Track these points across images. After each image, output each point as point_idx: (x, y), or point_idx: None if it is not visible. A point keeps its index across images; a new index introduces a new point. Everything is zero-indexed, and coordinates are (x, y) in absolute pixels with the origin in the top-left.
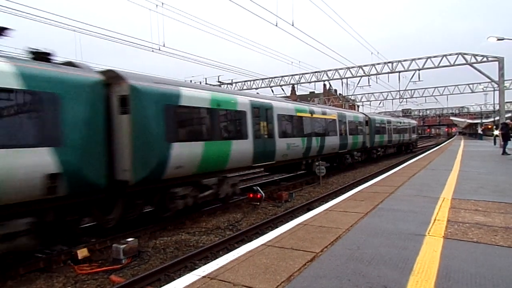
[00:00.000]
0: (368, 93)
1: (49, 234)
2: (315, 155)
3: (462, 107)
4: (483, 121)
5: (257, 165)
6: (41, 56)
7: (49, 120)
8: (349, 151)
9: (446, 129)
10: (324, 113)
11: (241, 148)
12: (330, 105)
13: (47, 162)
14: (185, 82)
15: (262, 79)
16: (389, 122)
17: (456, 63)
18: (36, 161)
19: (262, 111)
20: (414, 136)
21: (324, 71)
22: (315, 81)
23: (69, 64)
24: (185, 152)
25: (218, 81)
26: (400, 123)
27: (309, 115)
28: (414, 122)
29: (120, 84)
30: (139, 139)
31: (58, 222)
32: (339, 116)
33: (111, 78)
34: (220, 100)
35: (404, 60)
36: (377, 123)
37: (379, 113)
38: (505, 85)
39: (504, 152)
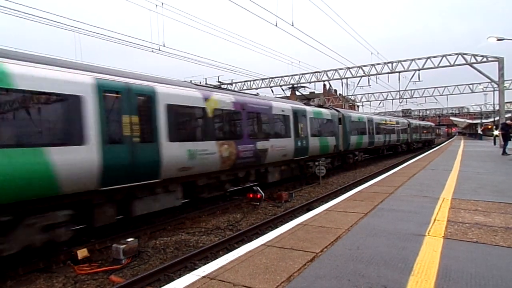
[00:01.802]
0: (368, 93)
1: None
2: (387, 145)
3: (462, 107)
4: (483, 121)
5: (369, 148)
6: (307, 101)
7: (334, 126)
8: (400, 144)
9: (446, 129)
10: (390, 120)
11: (365, 139)
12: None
13: (334, 141)
14: (350, 110)
15: (262, 79)
16: (419, 124)
17: (456, 63)
18: (333, 141)
19: (370, 121)
20: (433, 135)
21: (324, 71)
22: (315, 81)
23: (321, 106)
24: (354, 140)
25: (218, 81)
26: (426, 125)
27: (384, 121)
28: (433, 124)
29: (339, 113)
30: (344, 134)
31: (331, 163)
32: (396, 122)
33: (336, 110)
34: (360, 117)
35: (404, 60)
36: (413, 125)
37: (379, 113)
38: (505, 85)
39: (504, 152)
